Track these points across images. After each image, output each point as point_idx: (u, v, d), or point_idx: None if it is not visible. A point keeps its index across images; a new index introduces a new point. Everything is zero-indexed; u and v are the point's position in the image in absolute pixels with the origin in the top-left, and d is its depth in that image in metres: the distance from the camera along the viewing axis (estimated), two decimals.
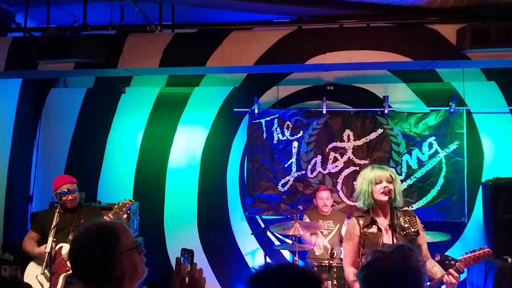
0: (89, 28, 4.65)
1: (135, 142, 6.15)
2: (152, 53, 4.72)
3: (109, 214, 3.92)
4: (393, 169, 4.97)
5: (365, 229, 3.15)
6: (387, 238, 3.06)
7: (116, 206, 4.09)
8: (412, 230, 3.13)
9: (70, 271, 1.73)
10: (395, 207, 3.16)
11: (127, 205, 4.10)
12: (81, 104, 6.23)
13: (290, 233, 4.59)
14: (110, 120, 6.19)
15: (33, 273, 3.98)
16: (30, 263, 4.08)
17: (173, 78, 6.17)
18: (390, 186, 3.09)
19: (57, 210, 4.03)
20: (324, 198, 5.15)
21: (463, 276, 5.05)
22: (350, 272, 3.18)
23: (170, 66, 4.77)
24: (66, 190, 4.06)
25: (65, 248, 3.94)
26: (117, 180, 6.11)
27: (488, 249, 3.10)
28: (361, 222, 3.18)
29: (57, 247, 3.93)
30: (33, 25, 5.44)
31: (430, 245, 3.40)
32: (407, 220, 3.15)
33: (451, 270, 2.95)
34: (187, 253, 1.79)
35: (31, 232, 4.18)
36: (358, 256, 3.15)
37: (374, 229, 3.13)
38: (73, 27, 4.98)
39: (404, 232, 3.09)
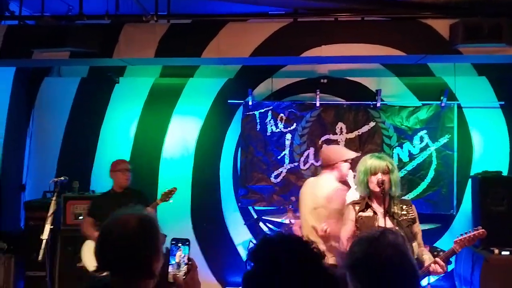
0: (85, 17, 4.65)
1: (129, 132, 6.14)
2: (148, 43, 4.74)
3: (157, 200, 4.56)
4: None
5: (360, 213, 3.22)
6: (382, 222, 3.13)
7: (163, 194, 4.60)
8: (409, 217, 3.20)
9: None
10: (392, 196, 3.22)
11: (173, 192, 4.59)
12: (75, 93, 6.20)
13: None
14: (104, 110, 6.17)
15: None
16: (87, 241, 4.50)
17: (168, 69, 6.15)
18: (385, 178, 3.13)
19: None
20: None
21: (450, 267, 5.17)
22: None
23: (165, 57, 4.79)
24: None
25: None
26: None
27: (483, 230, 3.13)
28: (357, 207, 3.26)
29: None
30: (28, 14, 5.40)
31: None
32: (404, 208, 3.22)
33: (437, 259, 3.03)
34: (182, 242, 1.67)
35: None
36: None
37: (369, 213, 3.21)
38: (68, 16, 4.94)
39: (400, 219, 3.16)
